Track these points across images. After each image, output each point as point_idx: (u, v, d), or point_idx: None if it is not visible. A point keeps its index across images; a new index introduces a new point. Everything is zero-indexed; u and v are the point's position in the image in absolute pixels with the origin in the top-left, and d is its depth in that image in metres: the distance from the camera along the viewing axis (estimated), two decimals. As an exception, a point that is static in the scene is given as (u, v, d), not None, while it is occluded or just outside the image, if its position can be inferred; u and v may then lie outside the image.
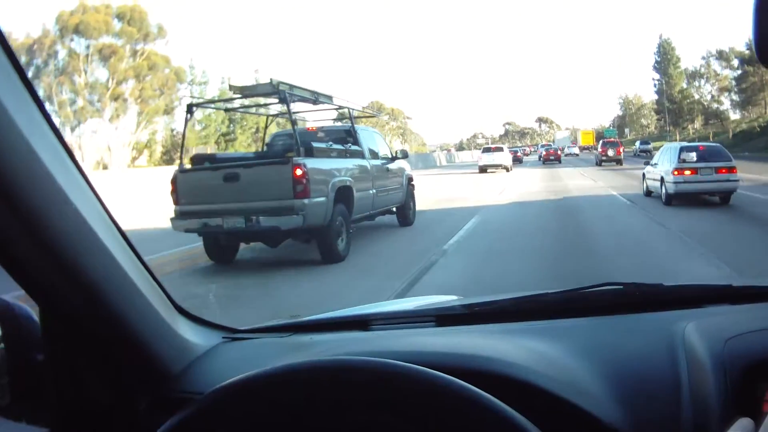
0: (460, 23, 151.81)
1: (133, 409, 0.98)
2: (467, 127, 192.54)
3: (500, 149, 33.93)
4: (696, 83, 68.39)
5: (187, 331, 1.09)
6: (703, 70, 67.49)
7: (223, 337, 1.19)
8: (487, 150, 34.44)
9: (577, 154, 58.51)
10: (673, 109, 68.18)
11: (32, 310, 0.92)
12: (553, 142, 75.85)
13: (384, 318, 1.27)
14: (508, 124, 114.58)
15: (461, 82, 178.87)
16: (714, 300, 1.15)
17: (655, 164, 13.27)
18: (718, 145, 13.49)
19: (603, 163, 33.87)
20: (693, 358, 0.89)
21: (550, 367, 0.91)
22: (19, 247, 0.77)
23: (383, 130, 77.07)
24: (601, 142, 40.16)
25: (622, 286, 1.19)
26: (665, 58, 69.85)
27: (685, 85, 69.03)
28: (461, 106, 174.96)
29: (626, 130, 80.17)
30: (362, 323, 1.23)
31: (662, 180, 12.32)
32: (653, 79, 73.53)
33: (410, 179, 10.61)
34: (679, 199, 11.84)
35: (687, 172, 11.62)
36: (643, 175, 14.40)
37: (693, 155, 11.84)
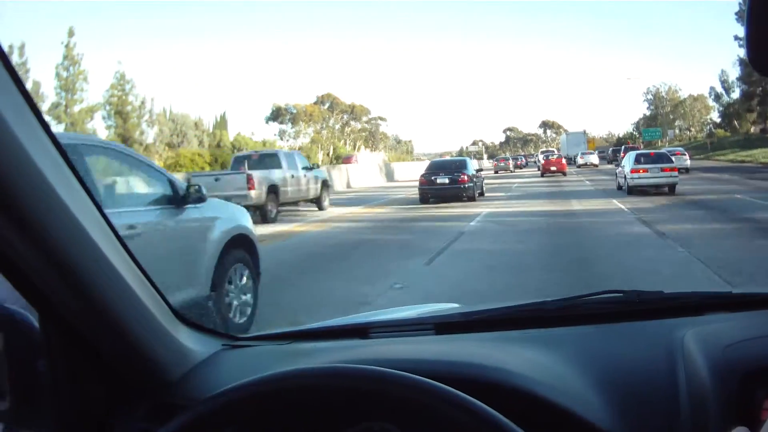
0: (455, 23, 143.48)
1: (133, 415, 0.98)
2: (468, 135, 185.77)
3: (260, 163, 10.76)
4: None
5: (187, 339, 1.09)
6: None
7: (223, 345, 1.19)
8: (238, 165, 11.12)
9: (596, 165, 43.51)
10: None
11: (32, 317, 0.92)
12: (558, 148, 58.71)
13: (383, 326, 1.27)
14: (510, 130, 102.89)
15: (460, 86, 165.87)
16: (713, 308, 1.15)
17: (623, 166, 18.33)
18: (663, 151, 18.89)
19: None
20: (691, 365, 0.89)
21: (548, 376, 0.91)
22: (19, 256, 0.77)
23: (342, 134, 60.17)
24: (623, 147, 39.00)
25: (621, 294, 1.19)
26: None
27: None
28: (461, 112, 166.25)
29: (669, 133, 55.52)
30: (361, 331, 1.24)
31: (625, 177, 17.56)
32: (736, 38, 44.15)
33: None
34: (636, 191, 16.97)
35: (640, 171, 16.86)
36: (615, 174, 20.27)
37: (644, 159, 17.21)
